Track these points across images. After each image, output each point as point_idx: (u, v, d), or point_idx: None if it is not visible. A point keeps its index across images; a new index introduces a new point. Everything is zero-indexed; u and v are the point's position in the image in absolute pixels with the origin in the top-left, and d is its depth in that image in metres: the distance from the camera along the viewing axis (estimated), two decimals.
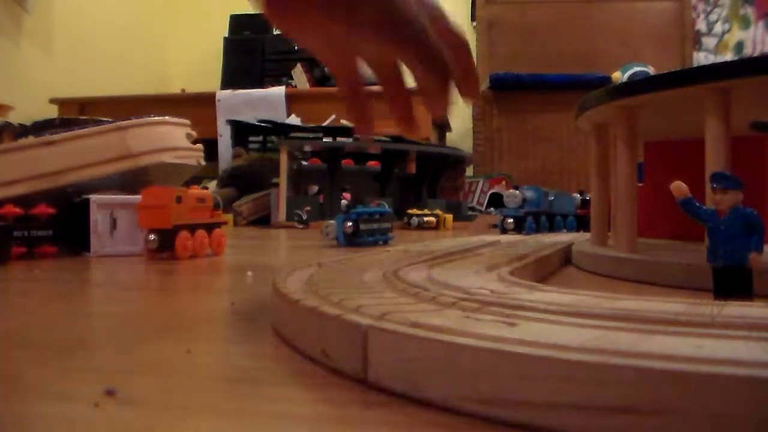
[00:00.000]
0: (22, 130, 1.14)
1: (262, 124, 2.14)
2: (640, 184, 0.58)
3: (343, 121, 2.12)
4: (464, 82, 0.39)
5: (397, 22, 0.34)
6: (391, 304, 0.23)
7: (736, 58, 2.15)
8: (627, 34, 2.29)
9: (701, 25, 2.32)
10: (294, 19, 0.34)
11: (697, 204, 0.31)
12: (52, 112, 2.28)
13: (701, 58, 2.30)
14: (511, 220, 0.81)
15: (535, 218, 0.83)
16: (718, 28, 2.30)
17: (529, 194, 0.80)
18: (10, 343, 0.27)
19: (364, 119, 0.38)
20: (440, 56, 0.35)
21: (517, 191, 0.74)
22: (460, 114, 2.52)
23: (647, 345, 0.16)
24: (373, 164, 1.77)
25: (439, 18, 0.37)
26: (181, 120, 0.91)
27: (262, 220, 1.68)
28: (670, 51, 2.29)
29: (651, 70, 1.55)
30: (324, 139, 1.69)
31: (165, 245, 0.65)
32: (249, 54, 2.66)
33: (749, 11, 2.24)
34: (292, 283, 0.29)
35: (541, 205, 0.84)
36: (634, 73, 1.50)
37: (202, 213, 0.70)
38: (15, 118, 1.71)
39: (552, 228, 0.90)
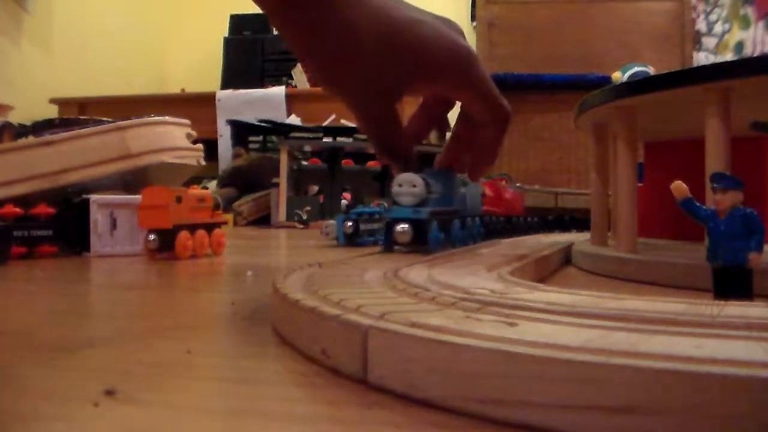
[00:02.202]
0: (22, 130, 1.15)
1: (262, 124, 2.14)
2: (640, 184, 0.58)
3: (344, 121, 2.12)
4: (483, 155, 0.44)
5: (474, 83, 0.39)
6: (391, 304, 0.23)
7: (736, 58, 2.15)
8: (627, 34, 2.29)
9: (701, 25, 2.32)
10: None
11: (697, 204, 0.31)
12: (52, 112, 2.29)
13: (701, 58, 2.29)
14: (405, 227, 0.43)
15: (442, 223, 0.46)
16: (718, 28, 2.30)
17: (435, 184, 0.44)
18: (10, 343, 0.27)
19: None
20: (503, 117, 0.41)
21: (418, 177, 0.42)
22: None
23: (647, 345, 0.16)
24: (373, 164, 1.77)
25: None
26: (181, 120, 0.91)
27: (262, 220, 1.68)
28: (670, 51, 2.29)
29: (651, 70, 1.55)
30: (324, 139, 1.69)
31: (165, 245, 0.65)
32: (249, 54, 2.66)
33: (749, 11, 2.23)
34: (292, 283, 0.29)
35: (452, 201, 0.48)
36: (634, 73, 1.50)
37: (202, 213, 0.70)
38: (15, 118, 1.71)
39: (464, 238, 0.51)
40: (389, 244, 0.45)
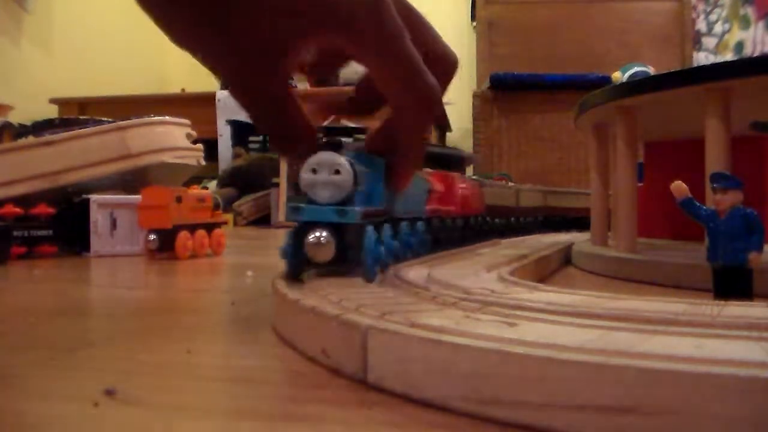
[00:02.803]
0: (22, 130, 1.14)
1: None
2: (640, 184, 0.58)
3: (344, 122, 2.12)
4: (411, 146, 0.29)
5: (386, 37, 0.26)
6: (391, 304, 0.23)
7: (736, 58, 2.15)
8: (627, 34, 2.29)
9: (701, 25, 2.32)
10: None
11: (697, 204, 0.31)
12: (52, 112, 2.28)
13: (701, 58, 2.29)
14: (323, 236, 0.28)
15: (378, 229, 0.31)
16: (718, 28, 2.30)
17: (363, 172, 0.29)
18: (11, 343, 0.27)
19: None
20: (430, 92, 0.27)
21: (343, 159, 0.28)
22: (460, 114, 2.52)
23: (647, 345, 0.16)
24: None
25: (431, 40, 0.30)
26: (181, 120, 0.91)
27: (262, 220, 1.68)
28: (670, 51, 2.29)
29: (651, 70, 1.55)
30: (324, 139, 1.68)
31: (165, 245, 0.64)
32: None
33: (749, 11, 2.23)
34: (291, 283, 0.29)
35: (378, 198, 0.31)
36: (634, 73, 1.50)
37: (202, 213, 0.70)
38: (15, 118, 1.71)
39: (404, 251, 0.37)
40: (296, 265, 0.29)
